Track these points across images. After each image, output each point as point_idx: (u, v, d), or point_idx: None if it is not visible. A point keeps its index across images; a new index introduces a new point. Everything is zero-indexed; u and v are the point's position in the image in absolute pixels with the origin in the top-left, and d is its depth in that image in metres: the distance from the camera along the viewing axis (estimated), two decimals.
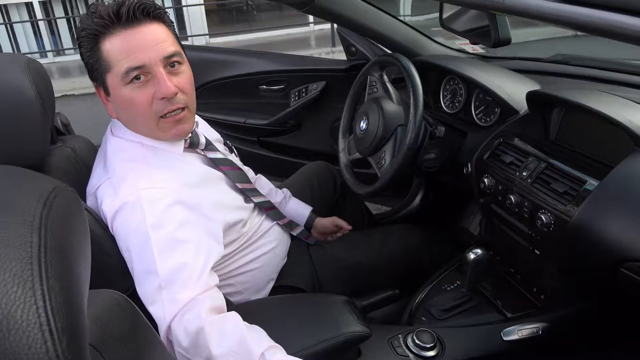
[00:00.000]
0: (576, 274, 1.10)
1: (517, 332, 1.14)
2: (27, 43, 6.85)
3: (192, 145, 1.12)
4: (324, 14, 1.59)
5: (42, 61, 6.39)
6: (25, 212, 0.40)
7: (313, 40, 7.40)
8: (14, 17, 6.72)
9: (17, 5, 6.67)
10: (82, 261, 0.43)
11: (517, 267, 1.27)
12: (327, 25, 6.80)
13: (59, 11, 6.83)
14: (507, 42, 1.21)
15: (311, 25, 7.67)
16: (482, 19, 1.25)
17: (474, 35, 1.32)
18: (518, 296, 1.24)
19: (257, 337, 0.91)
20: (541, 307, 1.19)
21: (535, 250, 1.15)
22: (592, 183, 0.99)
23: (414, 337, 1.06)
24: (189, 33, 7.08)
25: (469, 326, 1.18)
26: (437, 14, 1.49)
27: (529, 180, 1.12)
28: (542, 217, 1.06)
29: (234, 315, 0.94)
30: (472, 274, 1.22)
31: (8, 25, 6.67)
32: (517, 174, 1.16)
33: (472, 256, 1.19)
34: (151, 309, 0.91)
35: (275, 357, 0.88)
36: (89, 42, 0.98)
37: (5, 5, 6.59)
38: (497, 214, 1.26)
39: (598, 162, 1.06)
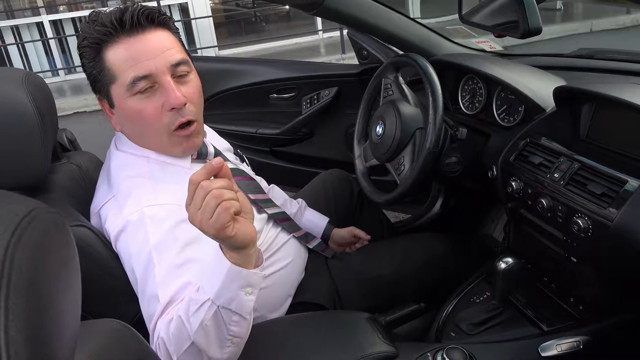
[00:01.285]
0: (619, 281, 1.01)
1: (556, 347, 1.05)
2: (39, 62, 6.94)
3: (200, 156, 1.07)
4: (333, 16, 1.54)
5: (55, 79, 6.50)
6: None
7: (323, 48, 7.37)
8: (25, 36, 6.81)
9: (28, 25, 6.77)
10: (62, 295, 0.37)
11: (551, 275, 1.19)
12: (337, 33, 6.78)
13: (69, 29, 6.92)
14: (537, 31, 1.09)
15: (320, 33, 7.66)
16: (508, 11, 1.15)
17: (499, 28, 1.24)
18: (554, 307, 1.15)
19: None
20: (580, 319, 1.10)
21: (572, 257, 1.07)
22: (632, 184, 0.92)
23: (444, 355, 0.98)
24: (197, 46, 7.11)
25: (503, 341, 1.10)
26: (449, 16, 1.42)
27: (561, 182, 1.05)
28: (579, 221, 0.98)
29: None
30: (503, 285, 1.14)
31: (20, 45, 6.77)
32: (548, 175, 1.08)
33: (503, 265, 1.11)
34: (153, 347, 0.84)
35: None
36: (91, 52, 0.94)
37: (17, 26, 6.69)
38: (527, 219, 1.18)
39: (636, 160, 0.98)
